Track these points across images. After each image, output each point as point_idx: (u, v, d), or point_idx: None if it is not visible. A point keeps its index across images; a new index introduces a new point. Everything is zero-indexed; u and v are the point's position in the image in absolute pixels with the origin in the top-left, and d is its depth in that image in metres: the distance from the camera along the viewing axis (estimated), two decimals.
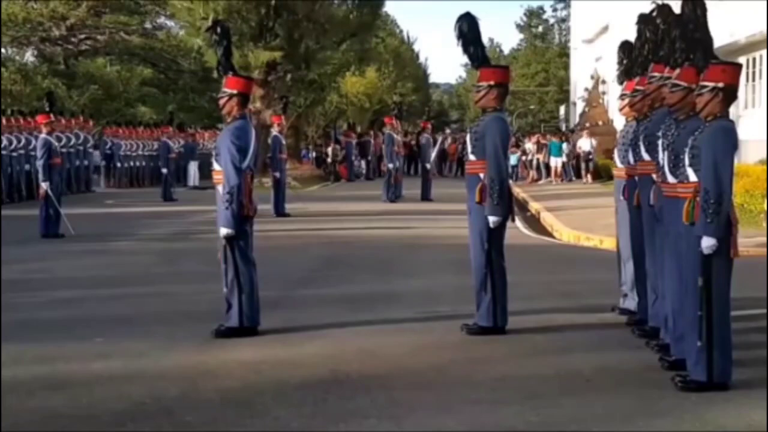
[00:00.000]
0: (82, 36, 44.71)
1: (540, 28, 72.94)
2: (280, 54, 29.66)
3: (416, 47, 62.30)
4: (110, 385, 5.79)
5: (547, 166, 30.82)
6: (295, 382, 5.84)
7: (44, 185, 13.84)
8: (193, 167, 28.59)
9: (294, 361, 6.36)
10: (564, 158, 30.11)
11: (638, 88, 7.24)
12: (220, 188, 7.05)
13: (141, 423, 5.09)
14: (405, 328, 7.41)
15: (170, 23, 44.19)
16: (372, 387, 5.73)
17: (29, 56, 46.85)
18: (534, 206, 20.21)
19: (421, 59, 63.31)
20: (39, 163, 14.06)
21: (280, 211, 17.56)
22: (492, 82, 7.17)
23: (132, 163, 29.15)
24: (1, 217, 15.22)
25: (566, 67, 57.02)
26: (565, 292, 9.14)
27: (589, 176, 28.79)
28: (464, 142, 8.17)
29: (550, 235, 15.55)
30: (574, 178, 29.91)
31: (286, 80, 31.94)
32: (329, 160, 35.88)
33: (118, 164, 28.64)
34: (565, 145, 30.61)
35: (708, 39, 6.04)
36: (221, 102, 7.25)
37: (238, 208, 6.90)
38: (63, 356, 6.50)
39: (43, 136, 14.17)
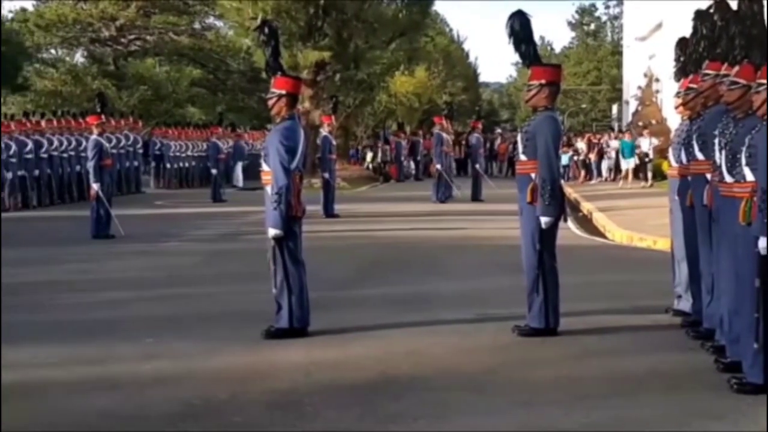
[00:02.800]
0: (132, 36, 45.25)
1: (592, 26, 72.20)
2: (329, 54, 29.70)
3: (466, 46, 62.16)
4: (160, 386, 5.80)
5: (618, 167, 29.78)
6: (345, 383, 5.81)
7: (95, 186, 13.95)
8: (239, 168, 28.76)
9: (343, 363, 6.33)
10: (636, 159, 28.10)
11: (691, 86, 7.10)
12: (268, 189, 7.03)
13: (190, 424, 5.09)
14: (454, 330, 7.34)
15: (219, 23, 44.55)
16: (421, 388, 5.67)
17: (79, 57, 47.53)
18: (586, 206, 20.00)
19: (471, 58, 63.14)
20: (90, 165, 14.17)
21: (329, 212, 17.55)
22: (543, 81, 7.08)
23: (181, 164, 29.39)
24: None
25: (619, 65, 56.36)
26: (617, 293, 9.00)
27: (645, 177, 27.34)
28: (515, 142, 8.07)
29: (602, 235, 15.36)
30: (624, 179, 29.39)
31: (335, 80, 32.00)
32: (369, 160, 35.92)
33: (168, 165, 28.88)
34: (615, 143, 30.17)
35: (765, 36, 5.90)
36: (270, 102, 7.24)
37: (286, 208, 6.88)
38: (113, 357, 6.53)
39: (94, 137, 14.29)
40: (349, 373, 6.04)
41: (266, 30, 7.42)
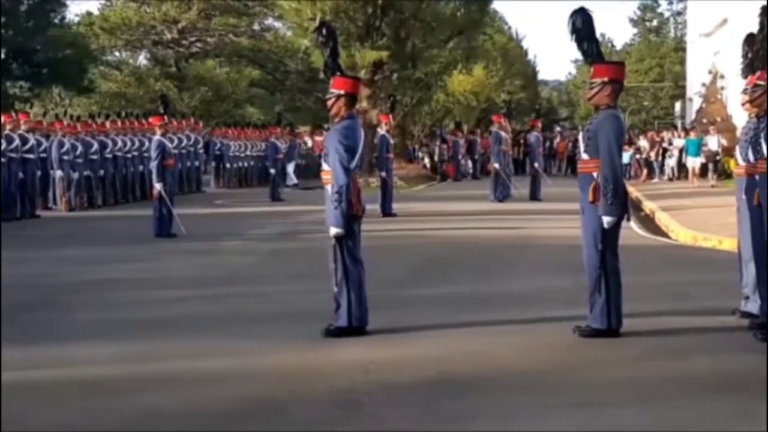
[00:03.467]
0: (193, 39, 45.81)
1: (654, 22, 71.12)
2: (386, 53, 29.72)
3: (525, 44, 61.69)
4: (220, 383, 5.84)
5: (681, 165, 29.21)
6: (403, 382, 5.79)
7: (158, 186, 14.12)
8: (290, 167, 28.89)
9: (402, 362, 6.31)
10: (702, 158, 27.41)
11: (759, 83, 6.95)
12: (328, 188, 7.05)
13: (249, 422, 5.11)
14: (513, 330, 7.28)
15: (278, 24, 44.86)
16: (480, 388, 5.64)
17: (142, 59, 48.25)
18: (648, 206, 19.72)
19: (530, 56, 62.65)
20: (153, 165, 14.35)
21: (387, 211, 17.55)
22: (606, 79, 6.98)
23: (240, 164, 29.63)
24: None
25: (682, 61, 55.43)
26: (681, 293, 8.85)
27: (714, 177, 26.40)
28: (574, 141, 7.98)
29: (665, 235, 15.12)
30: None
31: (393, 79, 32.01)
32: (426, 160, 35.81)
33: (227, 165, 29.15)
34: (679, 141, 29.65)
35: None
36: (329, 102, 7.26)
37: (347, 207, 6.90)
38: (174, 354, 6.60)
39: (157, 137, 14.46)
40: (408, 372, 6.02)
41: (324, 31, 7.45)
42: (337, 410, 5.27)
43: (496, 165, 21.65)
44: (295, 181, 28.08)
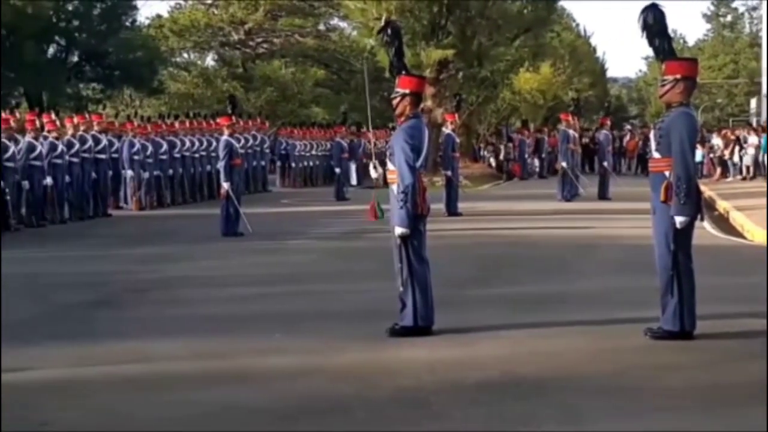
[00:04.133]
0: (260, 39, 46.24)
1: (729, 18, 69.74)
2: (452, 52, 29.62)
3: (593, 41, 61.02)
4: (286, 380, 5.87)
5: (757, 163, 28.52)
6: (470, 382, 5.75)
7: (225, 185, 14.25)
8: (353, 167, 28.92)
9: (468, 362, 6.27)
10: None
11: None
12: (394, 187, 7.03)
13: (315, 419, 5.12)
14: (582, 331, 7.17)
15: (343, 24, 45.04)
16: (549, 390, 5.56)
17: (210, 60, 48.85)
18: (722, 205, 19.30)
19: (599, 53, 61.95)
20: (220, 165, 14.49)
21: (452, 211, 17.48)
22: (678, 76, 6.84)
23: (306, 163, 29.81)
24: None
25: (758, 57, 54.20)
26: (757, 295, 8.60)
27: None
28: (645, 139, 7.84)
29: (740, 235, 14.78)
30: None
31: (458, 78, 31.90)
32: (491, 159, 35.57)
33: (293, 164, 29.34)
34: (755, 139, 28.94)
35: None
36: (394, 102, 7.24)
37: (412, 206, 6.87)
38: (241, 351, 6.65)
39: (224, 137, 14.60)
40: (474, 372, 5.97)
41: (389, 30, 7.43)
42: (402, 409, 5.25)
43: (564, 164, 21.42)
44: (354, 182, 28.12)
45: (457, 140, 18.88)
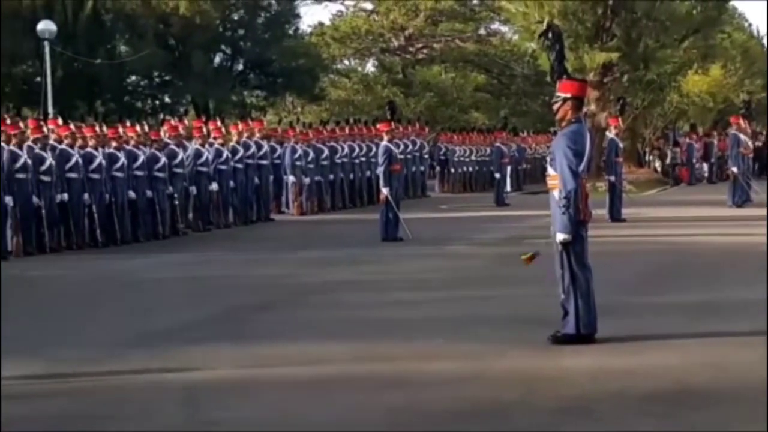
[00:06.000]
0: (420, 45, 46.59)
1: None
2: (616, 54, 28.98)
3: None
4: (447, 385, 5.87)
5: None
6: (636, 392, 5.60)
7: (385, 191, 14.38)
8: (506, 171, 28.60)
9: (633, 371, 6.10)
10: None
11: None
12: (555, 193, 6.92)
13: (475, 424, 5.11)
14: (753, 341, 6.83)
15: (504, 28, 44.79)
16: (723, 401, 5.38)
17: (370, 67, 49.56)
18: None
19: None
20: (380, 170, 14.65)
21: (615, 217, 17.09)
22: None
23: (465, 169, 29.76)
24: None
25: None
26: None
27: None
28: None
29: None
30: None
31: (623, 81, 31.18)
32: (657, 163, 34.51)
33: (452, 169, 29.35)
34: None
35: None
36: (555, 106, 7.14)
37: (575, 212, 6.75)
38: (402, 355, 6.70)
39: (384, 143, 14.75)
40: (641, 381, 5.81)
41: (550, 34, 7.34)
42: (565, 417, 5.17)
43: (735, 169, 20.57)
44: (509, 188, 27.82)
45: (621, 145, 18.43)
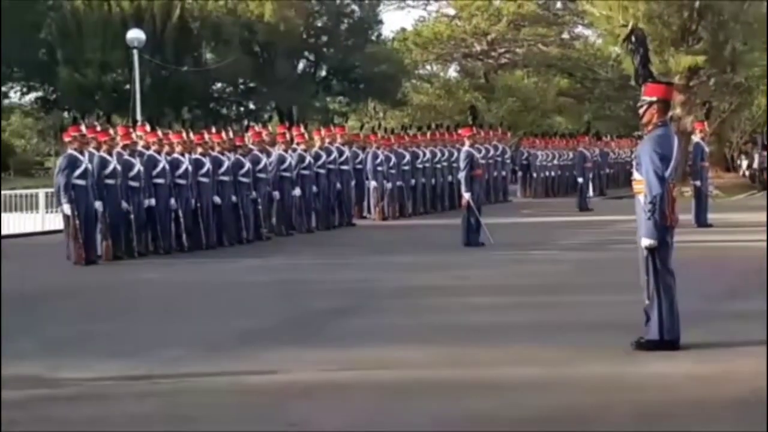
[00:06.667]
0: (502, 50, 46.43)
1: None
2: (703, 58, 28.45)
3: None
4: (528, 390, 5.86)
5: None
6: (719, 400, 5.53)
7: (466, 196, 14.37)
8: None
9: (718, 378, 6.02)
10: None
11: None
12: (641, 198, 6.86)
13: (557, 430, 5.10)
14: None
15: (587, 32, 44.34)
16: None
17: (452, 72, 49.56)
18: None
19: None
20: (461, 175, 14.64)
21: (701, 222, 16.79)
22: None
23: (547, 173, 29.53)
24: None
25: None
26: None
27: None
28: None
29: None
30: None
31: (709, 84, 30.58)
32: (745, 168, 33.71)
33: (534, 174, 29.16)
34: None
35: None
36: (641, 110, 7.07)
37: (660, 218, 6.67)
38: (484, 360, 6.71)
39: (465, 148, 14.74)
40: (724, 389, 5.74)
41: (634, 38, 7.26)
42: (645, 424, 5.12)
43: None
44: (591, 193, 27.47)
45: (707, 149, 18.10)
